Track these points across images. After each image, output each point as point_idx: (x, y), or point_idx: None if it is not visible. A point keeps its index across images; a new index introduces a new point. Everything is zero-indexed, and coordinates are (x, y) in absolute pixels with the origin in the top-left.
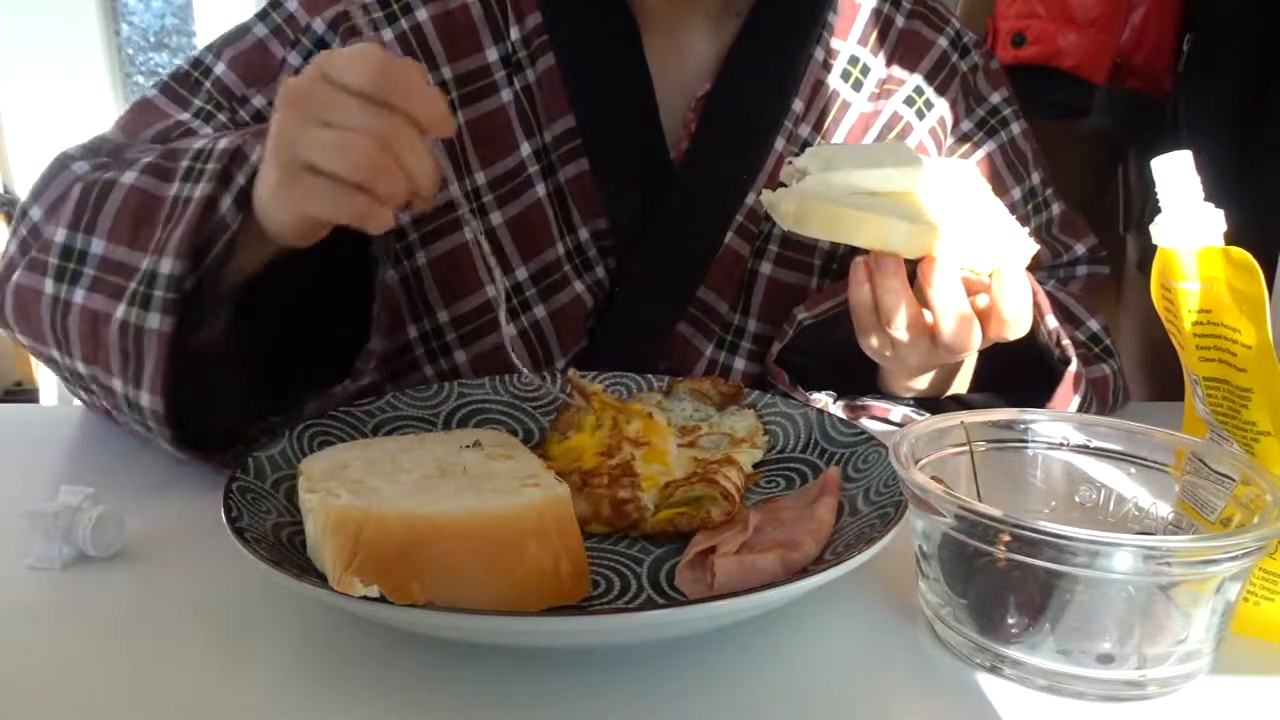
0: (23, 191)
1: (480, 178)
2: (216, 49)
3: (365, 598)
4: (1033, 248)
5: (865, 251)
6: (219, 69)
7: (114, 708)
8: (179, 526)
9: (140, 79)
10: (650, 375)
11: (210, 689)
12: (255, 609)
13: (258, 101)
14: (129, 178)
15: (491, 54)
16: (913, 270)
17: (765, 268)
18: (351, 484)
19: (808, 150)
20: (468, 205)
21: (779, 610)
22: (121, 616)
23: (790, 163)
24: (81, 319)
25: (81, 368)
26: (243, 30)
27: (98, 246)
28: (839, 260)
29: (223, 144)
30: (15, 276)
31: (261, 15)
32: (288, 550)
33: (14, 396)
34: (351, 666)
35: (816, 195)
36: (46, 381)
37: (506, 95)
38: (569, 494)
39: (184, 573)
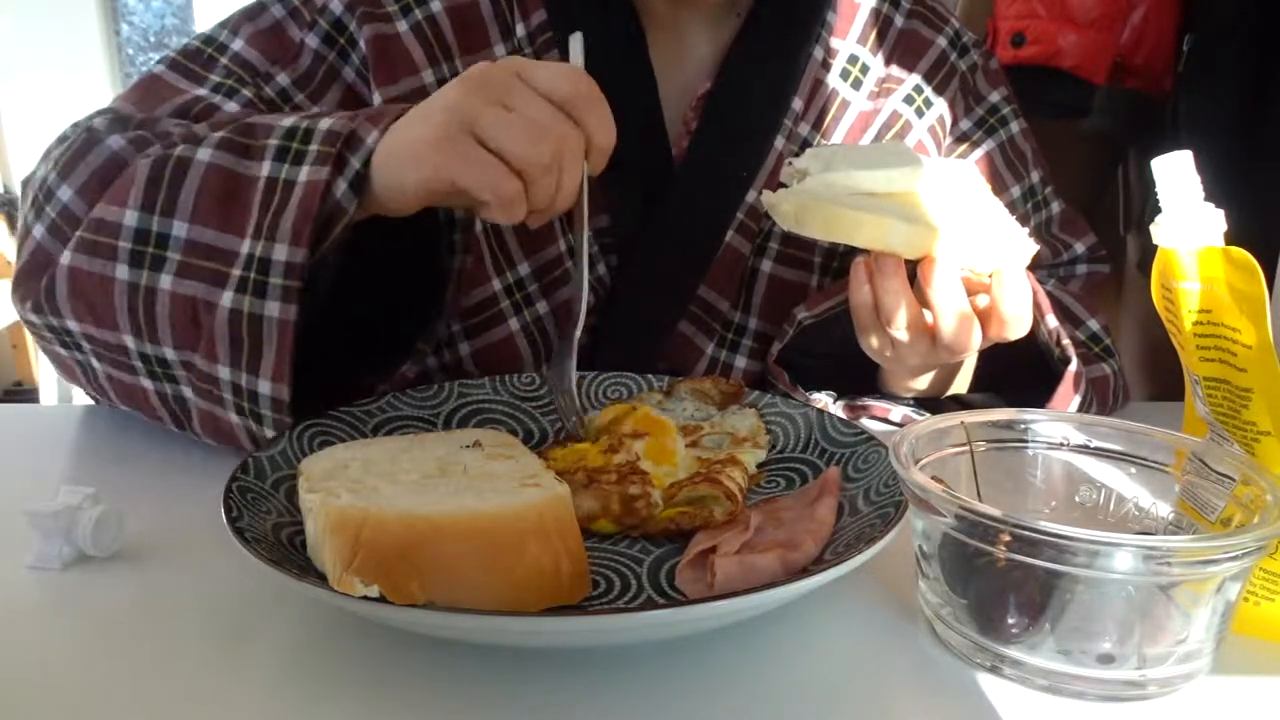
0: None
1: None
2: (233, 26)
3: (365, 598)
4: (1033, 248)
5: (866, 251)
6: (237, 45)
7: (114, 707)
8: (179, 526)
9: None
10: (650, 375)
11: (210, 689)
12: (255, 609)
13: (282, 79)
14: (205, 155)
15: (499, 50)
16: (913, 271)
17: (766, 265)
18: (351, 484)
19: (808, 151)
20: None
21: (779, 610)
22: (121, 616)
23: (790, 163)
24: (174, 305)
25: (170, 354)
26: (259, 8)
27: (180, 229)
28: (840, 258)
29: (326, 125)
30: (66, 260)
31: None
32: (288, 550)
33: (14, 396)
34: (351, 666)
35: (816, 196)
36: (46, 381)
37: None
38: (569, 494)
39: (184, 573)
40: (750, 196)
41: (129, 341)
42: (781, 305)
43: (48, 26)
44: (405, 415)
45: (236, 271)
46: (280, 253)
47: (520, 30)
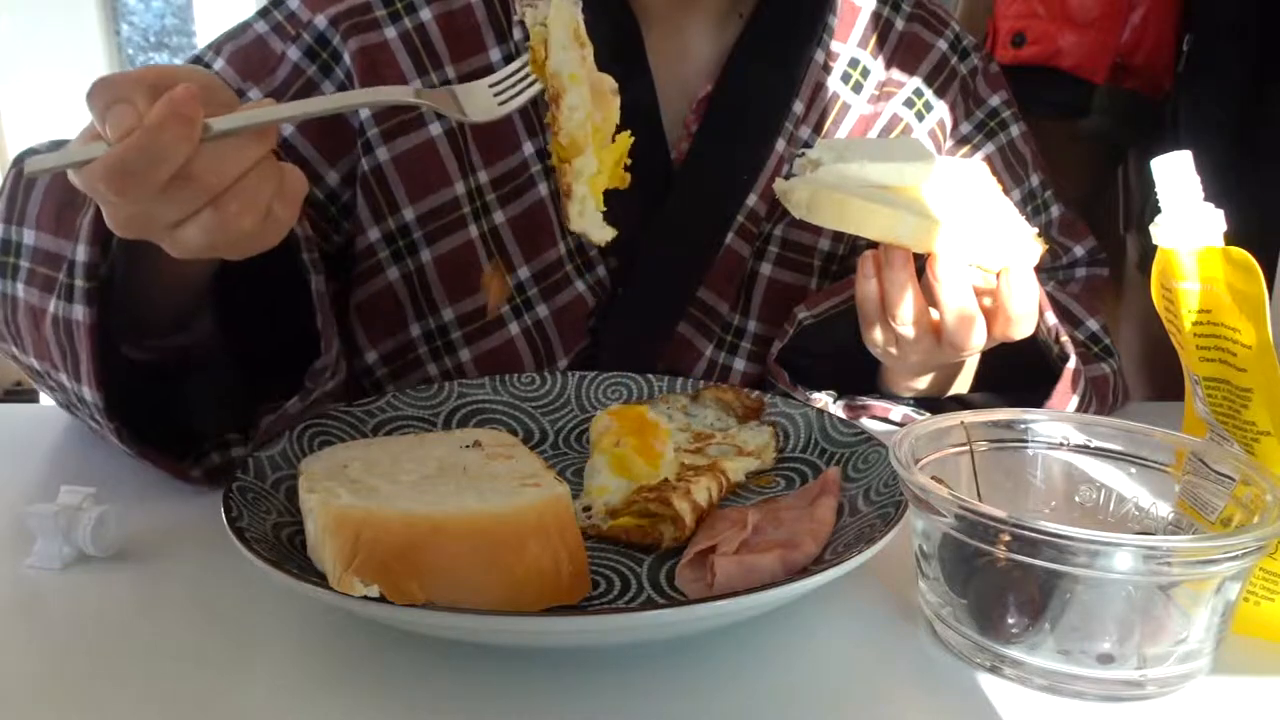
0: None
1: (483, 176)
2: (217, 46)
3: (365, 598)
4: (1041, 248)
5: (869, 247)
6: (218, 64)
7: (114, 707)
8: (179, 526)
9: None
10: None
11: (210, 689)
12: (255, 609)
13: (253, 95)
14: (51, 157)
15: (495, 54)
16: (921, 267)
17: (765, 268)
18: (351, 484)
19: (821, 142)
20: (469, 204)
21: (779, 610)
22: (121, 616)
23: (803, 153)
24: (26, 314)
25: (36, 364)
26: (243, 27)
27: (29, 237)
28: (839, 261)
29: None
30: None
31: (263, 13)
32: (288, 550)
33: (14, 396)
34: (351, 666)
35: (829, 185)
36: None
37: None
38: (569, 494)
39: (184, 573)
40: (751, 200)
41: (16, 352)
42: (781, 308)
43: (48, 26)
44: (405, 415)
45: (60, 276)
46: (80, 253)
47: (518, 34)
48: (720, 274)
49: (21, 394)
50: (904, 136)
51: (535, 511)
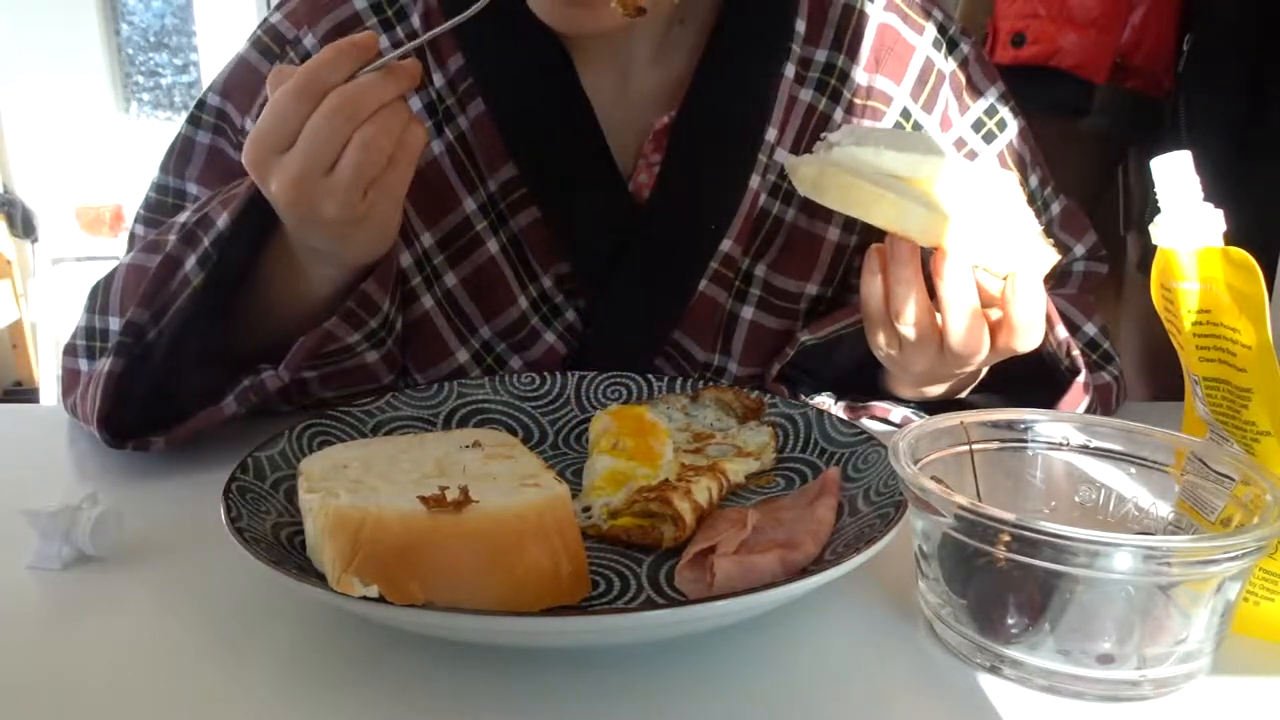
0: (23, 191)
1: (427, 239)
2: (217, 87)
3: (365, 598)
4: (1053, 258)
5: (862, 269)
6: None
7: (113, 708)
8: (179, 526)
9: (140, 79)
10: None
11: (210, 689)
12: (255, 609)
13: (248, 125)
14: (127, 258)
15: (414, 104)
16: (927, 273)
17: (747, 312)
18: (351, 484)
19: (843, 127)
20: (419, 274)
21: (779, 610)
22: (121, 616)
23: (823, 138)
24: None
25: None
26: (238, 60)
27: (114, 324)
28: (826, 303)
29: (197, 214)
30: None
31: (253, 41)
32: (288, 550)
33: (14, 396)
34: (351, 666)
35: (839, 166)
36: (47, 381)
37: (438, 147)
38: (568, 494)
39: (184, 573)
40: (725, 245)
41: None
42: (763, 351)
43: (48, 26)
44: (405, 415)
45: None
46: (131, 312)
47: (438, 80)
48: (695, 320)
49: (21, 394)
50: (925, 131)
51: (535, 511)
